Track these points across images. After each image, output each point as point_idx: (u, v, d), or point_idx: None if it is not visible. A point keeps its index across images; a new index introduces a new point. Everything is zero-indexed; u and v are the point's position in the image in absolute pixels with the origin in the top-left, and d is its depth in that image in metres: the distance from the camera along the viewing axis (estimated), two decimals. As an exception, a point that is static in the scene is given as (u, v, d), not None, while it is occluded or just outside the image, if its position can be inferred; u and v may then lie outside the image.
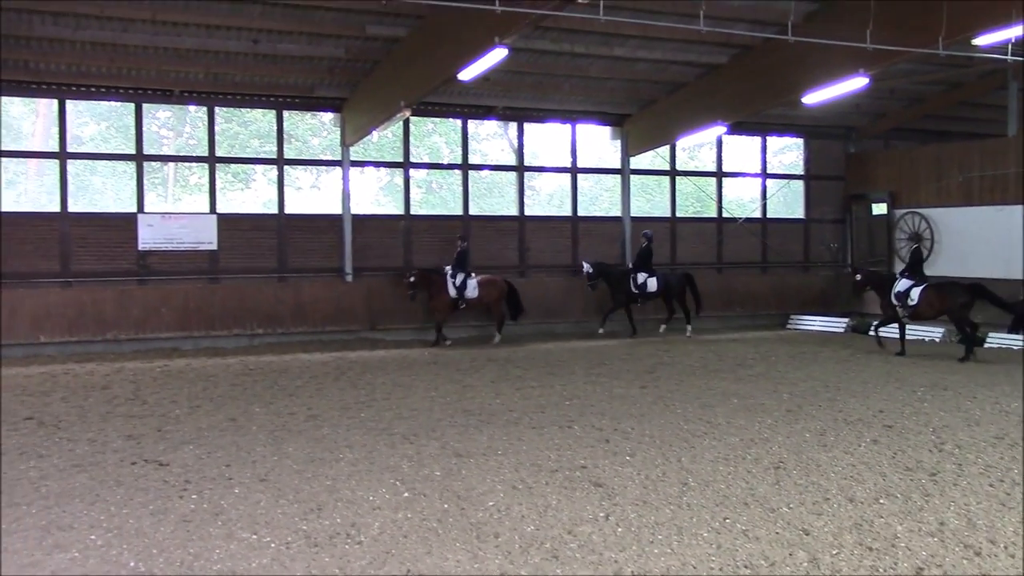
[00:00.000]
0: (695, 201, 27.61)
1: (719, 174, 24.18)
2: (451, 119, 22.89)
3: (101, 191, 27.38)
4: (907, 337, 17.32)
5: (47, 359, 16.03)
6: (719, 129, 20.66)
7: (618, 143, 23.04)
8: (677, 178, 23.80)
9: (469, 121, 21.99)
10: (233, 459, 8.21)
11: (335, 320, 18.96)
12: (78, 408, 11.04)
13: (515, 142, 22.43)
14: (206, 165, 19.95)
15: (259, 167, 24.30)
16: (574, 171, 22.69)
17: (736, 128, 22.50)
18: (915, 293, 16.42)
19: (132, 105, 19.30)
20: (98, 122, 28.65)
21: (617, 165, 23.29)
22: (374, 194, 29.02)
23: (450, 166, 24.23)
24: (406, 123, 20.55)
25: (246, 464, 8.01)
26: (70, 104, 18.95)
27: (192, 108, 24.17)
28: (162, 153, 26.79)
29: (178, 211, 23.24)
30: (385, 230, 20.25)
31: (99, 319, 17.31)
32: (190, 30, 16.58)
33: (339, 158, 20.67)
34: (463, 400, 11.46)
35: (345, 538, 6.02)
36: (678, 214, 23.80)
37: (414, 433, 9.30)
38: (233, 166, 24.79)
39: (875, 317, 18.87)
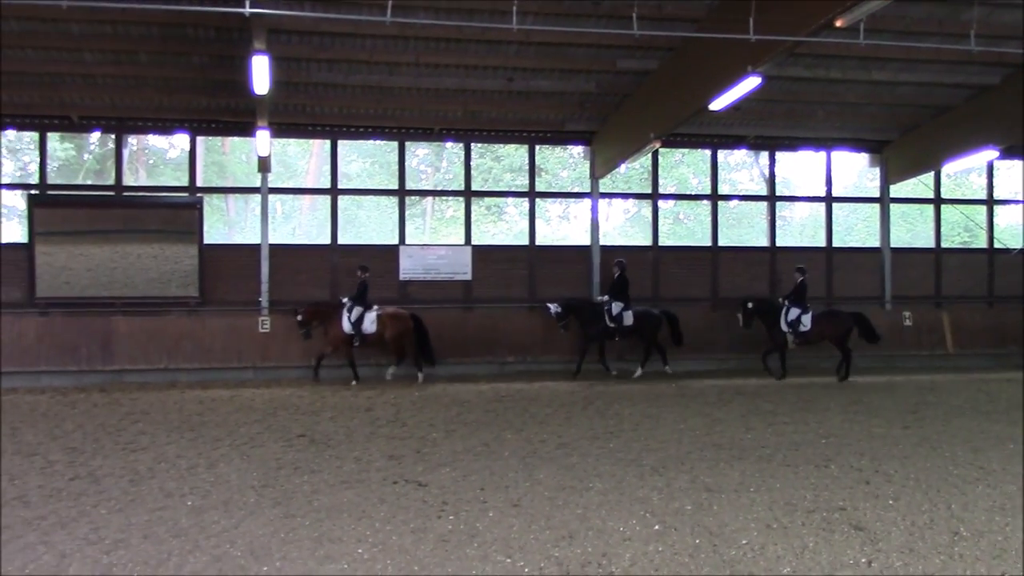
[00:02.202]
0: (962, 231, 25.93)
1: (990, 201, 22.62)
2: (700, 149, 22.73)
3: (365, 224, 29.15)
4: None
5: (319, 381, 17.17)
6: (990, 153, 19.26)
7: (877, 170, 22.07)
8: (942, 206, 22.47)
9: (719, 151, 21.76)
10: (487, 483, 8.45)
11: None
12: (345, 428, 11.74)
13: (766, 171, 21.97)
14: (462, 199, 20.84)
15: (511, 199, 25.06)
16: (828, 200, 21.90)
17: (1009, 152, 20.95)
18: (806, 320, 17.86)
19: (395, 143, 20.51)
20: (364, 160, 30.56)
21: (875, 193, 22.30)
22: (621, 225, 29.21)
23: (698, 196, 24.02)
24: (654, 154, 20.63)
25: (499, 489, 8.22)
26: (340, 143, 20.32)
27: (449, 144, 25.27)
28: (421, 188, 28.13)
29: (435, 243, 24.31)
30: (633, 261, 20.30)
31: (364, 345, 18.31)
32: (450, 71, 17.43)
33: (588, 190, 21.02)
34: (712, 434, 11.26)
35: (597, 567, 6.05)
36: (943, 244, 22.44)
37: (663, 465, 9.23)
38: (487, 199, 25.72)
39: None
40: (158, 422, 12.26)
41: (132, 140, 23.82)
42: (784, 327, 17.98)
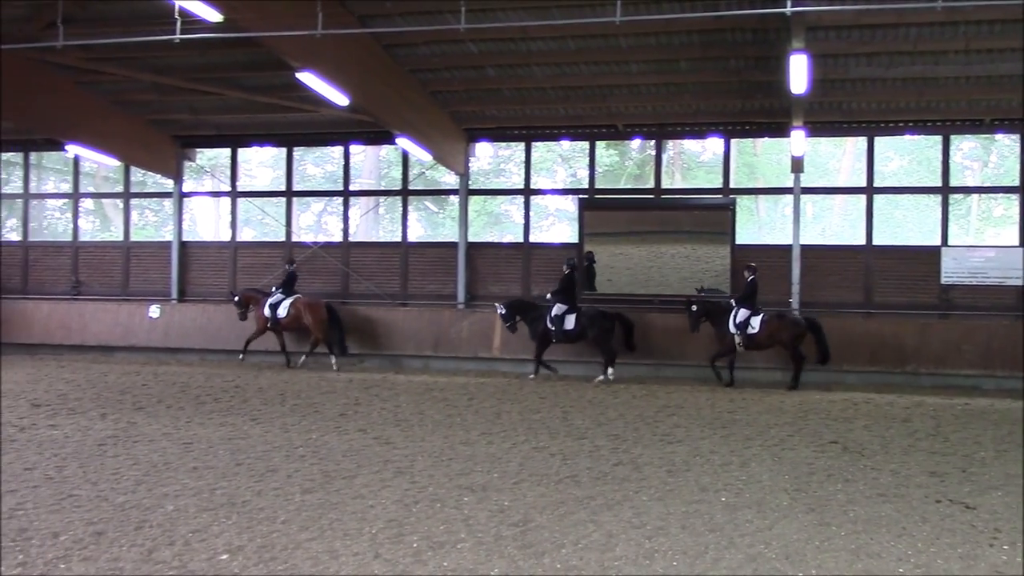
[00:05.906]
0: None
1: None
2: None
3: (901, 224, 27.69)
4: None
5: (847, 387, 16.64)
6: None
7: None
8: None
9: None
10: (1050, 514, 7.56)
11: None
12: (880, 438, 11.21)
13: None
14: (1015, 195, 18.95)
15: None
16: None
17: None
18: (755, 322, 16.43)
19: (938, 137, 19.21)
20: (901, 156, 29.04)
21: None
22: None
23: None
24: None
25: (1064, 522, 7.30)
26: (877, 140, 19.46)
27: (1000, 136, 23.10)
28: (966, 185, 26.07)
29: (982, 243, 22.33)
30: None
31: (898, 351, 17.34)
32: (1005, 55, 15.90)
33: None
34: None
35: None
36: None
37: None
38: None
39: None
40: (691, 416, 12.72)
41: (669, 145, 25.04)
42: (732, 329, 16.55)
